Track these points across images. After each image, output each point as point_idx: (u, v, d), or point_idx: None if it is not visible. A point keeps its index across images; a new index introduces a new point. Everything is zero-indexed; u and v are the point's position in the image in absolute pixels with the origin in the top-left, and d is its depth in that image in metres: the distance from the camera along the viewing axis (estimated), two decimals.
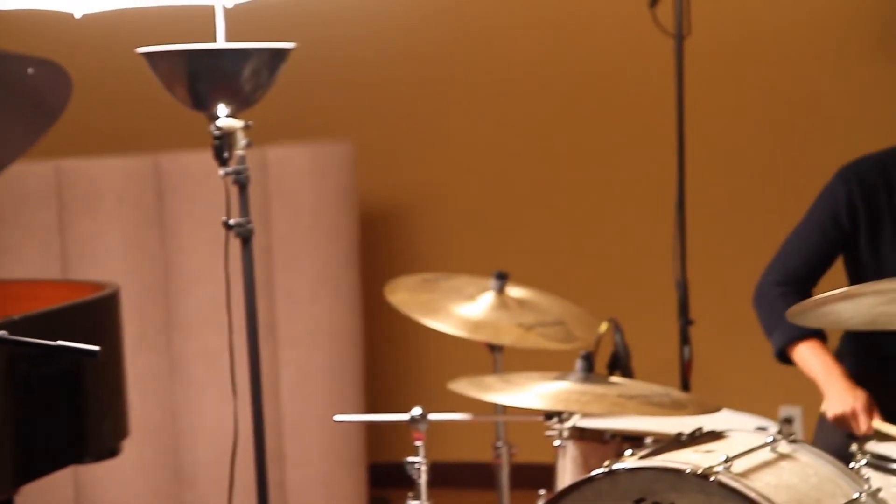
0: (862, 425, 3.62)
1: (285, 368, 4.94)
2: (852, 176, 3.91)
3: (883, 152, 3.95)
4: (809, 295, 3.86)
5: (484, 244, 5.62)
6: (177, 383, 4.84)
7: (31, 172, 4.62)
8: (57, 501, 4.69)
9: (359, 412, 5.04)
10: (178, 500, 4.83)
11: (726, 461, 3.03)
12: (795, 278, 3.93)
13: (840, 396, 3.71)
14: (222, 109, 3.29)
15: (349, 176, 5.11)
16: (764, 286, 3.97)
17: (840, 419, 3.68)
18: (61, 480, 4.61)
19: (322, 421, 4.95)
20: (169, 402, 4.82)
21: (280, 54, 3.32)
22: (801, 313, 3.16)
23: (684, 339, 4.32)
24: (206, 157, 4.70)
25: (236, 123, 3.29)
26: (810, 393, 4.08)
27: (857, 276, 3.91)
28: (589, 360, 3.36)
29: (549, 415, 3.54)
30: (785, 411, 5.05)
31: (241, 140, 3.30)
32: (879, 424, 3.59)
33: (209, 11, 3.39)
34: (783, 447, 3.26)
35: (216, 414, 4.75)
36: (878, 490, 3.22)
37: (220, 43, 3.33)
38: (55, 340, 2.82)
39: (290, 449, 4.93)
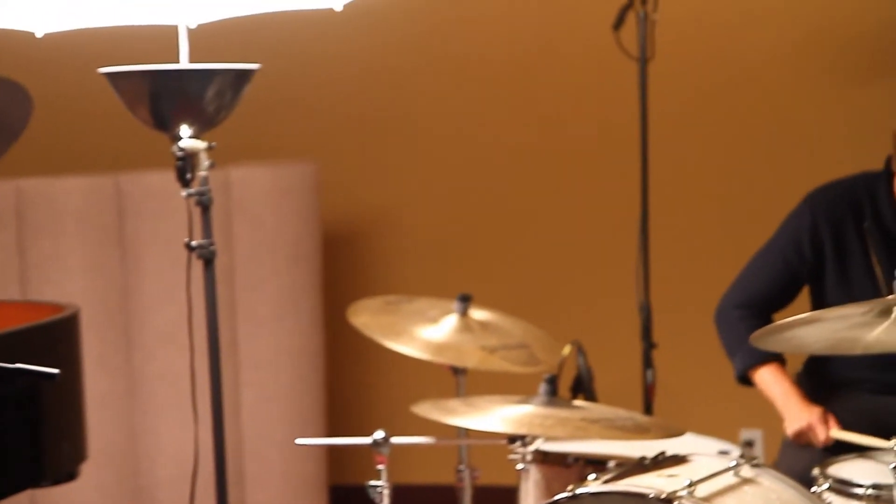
0: (820, 435, 3.74)
1: (247, 390, 4.91)
2: (819, 203, 3.97)
3: (850, 179, 4.00)
4: (770, 319, 3.92)
5: (447, 267, 5.60)
6: (136, 405, 4.81)
7: None
8: None
9: (320, 434, 5.04)
10: None
11: (690, 486, 3.03)
12: (755, 302, 4.00)
13: (797, 414, 3.82)
14: (185, 130, 3.27)
15: (312, 197, 5.10)
16: (724, 308, 4.04)
17: (800, 434, 3.78)
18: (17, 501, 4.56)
19: (283, 443, 4.94)
20: (128, 423, 4.80)
21: (244, 75, 3.30)
22: (766, 337, 3.17)
23: (647, 363, 4.33)
24: (168, 177, 4.69)
25: (199, 144, 3.27)
26: (770, 416, 4.13)
27: (825, 302, 3.95)
28: (553, 383, 3.35)
29: (512, 438, 3.52)
30: (746, 434, 5.07)
31: (205, 161, 3.28)
32: (837, 433, 3.71)
33: (173, 32, 3.37)
34: (746, 471, 3.26)
35: (176, 436, 4.73)
36: None
37: (184, 64, 3.32)
38: (13, 362, 2.79)
39: (250, 471, 4.90)
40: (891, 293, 3.70)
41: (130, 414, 4.80)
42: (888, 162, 3.87)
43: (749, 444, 4.12)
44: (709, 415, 4.82)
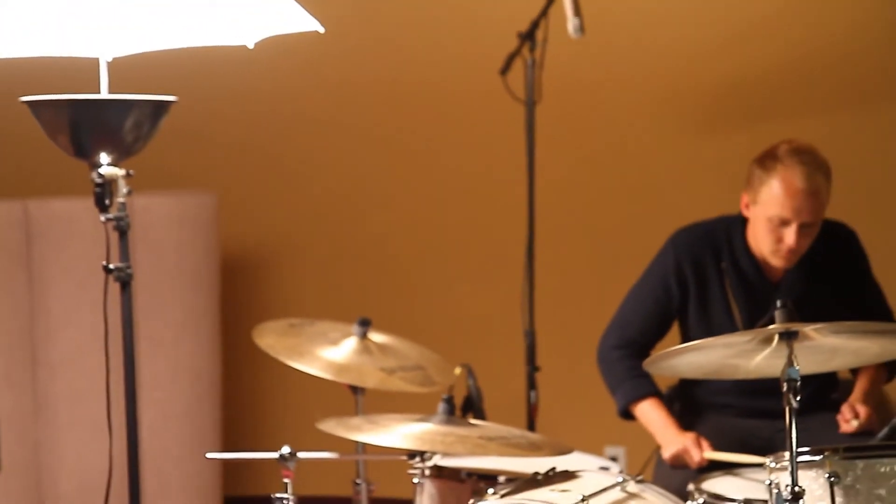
0: (695, 457, 3.78)
1: (147, 408, 4.82)
2: (681, 245, 4.06)
3: (710, 221, 4.09)
4: (647, 355, 3.95)
5: (343, 292, 5.59)
6: (41, 421, 4.72)
7: None
8: None
9: (217, 449, 4.98)
10: None
11: (582, 500, 3.06)
12: (632, 342, 4.08)
13: (672, 440, 3.86)
14: (104, 158, 3.20)
15: (211, 225, 5.05)
16: (604, 350, 4.11)
17: (676, 457, 3.83)
18: None
19: (181, 458, 4.90)
20: (32, 439, 4.71)
21: (162, 107, 3.24)
22: (658, 362, 3.20)
23: (531, 384, 4.33)
24: (74, 203, 4.70)
25: (118, 172, 3.21)
26: (631, 435, 4.20)
27: (688, 335, 4.02)
28: (451, 403, 3.35)
29: (411, 454, 3.49)
30: (610, 451, 5.09)
31: (123, 188, 3.22)
32: (710, 454, 3.76)
33: (90, 63, 3.30)
34: (632, 487, 3.30)
35: (78, 451, 4.70)
36: None
37: (104, 94, 3.25)
38: None
39: (149, 485, 4.80)
40: (748, 328, 3.83)
41: (34, 430, 4.71)
42: (742, 209, 3.94)
43: (613, 460, 4.14)
44: (577, 432, 4.84)
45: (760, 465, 3.49)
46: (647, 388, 3.98)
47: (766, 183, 3.80)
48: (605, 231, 5.31)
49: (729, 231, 3.99)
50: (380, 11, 5.47)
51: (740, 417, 4.00)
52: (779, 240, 3.82)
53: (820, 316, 3.16)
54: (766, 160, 3.83)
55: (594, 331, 4.16)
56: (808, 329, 3.08)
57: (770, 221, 3.82)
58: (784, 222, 3.80)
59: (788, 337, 3.05)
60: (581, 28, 4.12)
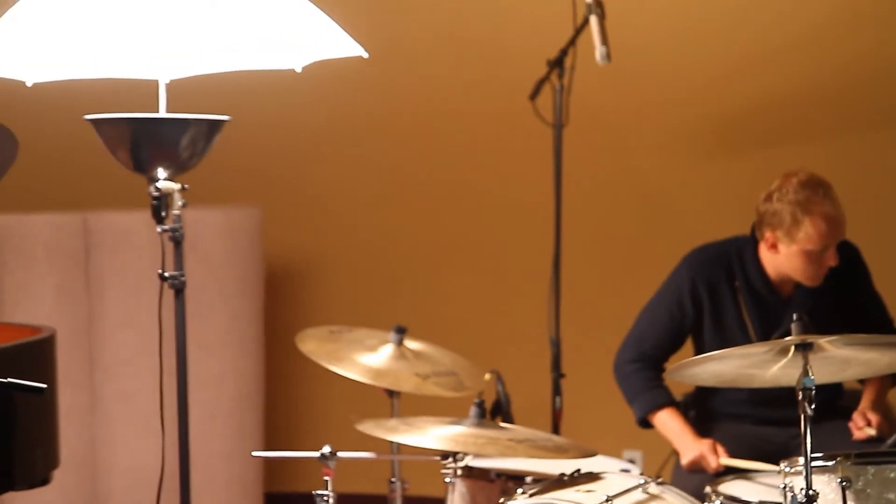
0: (712, 464, 3.78)
1: (194, 408, 4.78)
2: (696, 265, 4.07)
3: (723, 242, 4.11)
4: (661, 368, 4.03)
5: (381, 301, 5.57)
6: (96, 419, 4.74)
7: None
8: None
9: (260, 449, 4.98)
10: None
11: (607, 500, 3.06)
12: (647, 356, 4.08)
13: (690, 447, 3.86)
14: (161, 173, 3.22)
15: (256, 237, 5.05)
16: (620, 363, 4.11)
17: (693, 464, 3.83)
18: None
19: (225, 454, 4.89)
20: (89, 435, 4.72)
21: (216, 125, 3.27)
22: (679, 370, 3.20)
23: (556, 391, 4.31)
24: (129, 216, 4.72)
25: (174, 186, 3.23)
26: (648, 439, 4.20)
27: (703, 349, 4.03)
28: (482, 407, 3.34)
29: (444, 455, 3.47)
30: (628, 454, 5.06)
31: (178, 201, 3.25)
32: (726, 461, 3.76)
33: (151, 85, 3.31)
34: (653, 488, 3.29)
35: (131, 448, 4.69)
36: None
37: (162, 113, 3.26)
38: (2, 377, 2.70)
39: (196, 481, 4.78)
40: (761, 341, 3.81)
41: (91, 427, 4.72)
42: (753, 229, 3.94)
43: (632, 462, 4.14)
44: (598, 436, 4.80)
45: (773, 471, 3.49)
46: (664, 398, 3.98)
47: (802, 226, 3.80)
48: (626, 247, 5.30)
49: (741, 251, 3.99)
50: (417, 40, 5.48)
51: (754, 425, 3.98)
52: (820, 265, 3.85)
53: (827, 329, 3.15)
54: (793, 207, 3.80)
55: (615, 340, 4.16)
56: (823, 341, 3.06)
57: (810, 255, 3.83)
58: (825, 250, 3.82)
59: (804, 348, 3.04)
60: (608, 56, 4.11)
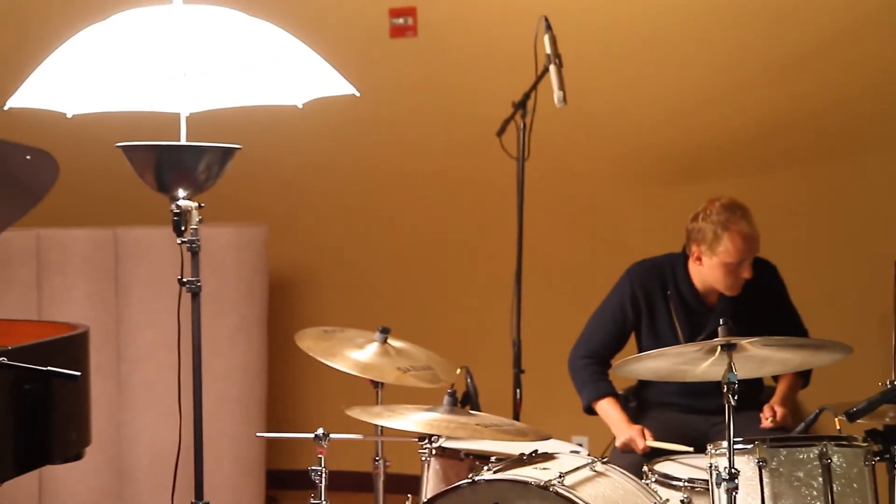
0: (639, 445, 3.80)
1: (206, 396, 4.77)
2: (635, 276, 4.09)
3: (659, 257, 4.13)
4: (607, 364, 4.05)
5: (368, 306, 5.58)
6: (123, 404, 4.72)
7: (16, 238, 4.53)
8: (25, 498, 4.55)
9: (262, 430, 4.96)
10: (120, 495, 4.71)
11: (560, 476, 3.04)
12: (595, 353, 4.08)
13: (623, 431, 3.88)
14: (181, 193, 3.19)
15: (261, 251, 5.03)
16: (573, 359, 4.11)
17: (624, 445, 3.85)
18: (27, 477, 4.46)
19: (233, 436, 4.88)
20: (116, 418, 4.70)
21: (228, 152, 3.25)
22: (624, 366, 3.21)
23: (517, 384, 4.30)
24: (153, 231, 4.70)
25: (192, 204, 3.21)
26: (593, 426, 4.19)
27: (642, 347, 4.03)
28: (454, 396, 3.33)
29: (422, 437, 3.47)
30: (576, 439, 5.05)
31: (195, 218, 3.23)
32: (651, 442, 3.79)
33: (174, 117, 3.30)
34: (599, 467, 3.30)
35: (153, 429, 4.68)
36: (667, 500, 3.28)
37: (183, 141, 3.25)
38: (45, 366, 2.69)
39: (208, 458, 4.76)
40: (688, 342, 3.83)
41: (118, 411, 4.70)
42: (685, 248, 3.96)
43: (580, 445, 4.14)
44: (551, 423, 4.79)
45: (687, 452, 3.59)
46: (606, 389, 3.98)
47: (721, 240, 3.81)
48: (577, 262, 5.30)
49: (673, 265, 3.99)
50: (402, 83, 5.50)
51: (683, 413, 3.98)
52: (736, 277, 3.85)
53: (747, 333, 3.14)
54: (715, 224, 3.82)
55: (567, 342, 4.15)
56: (745, 342, 3.08)
57: (727, 266, 3.84)
58: (741, 263, 3.82)
59: (729, 348, 3.06)
60: (564, 99, 4.12)
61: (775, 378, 4.02)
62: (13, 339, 3.28)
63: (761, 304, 3.95)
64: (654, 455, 3.68)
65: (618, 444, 3.86)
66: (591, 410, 4.02)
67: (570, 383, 4.10)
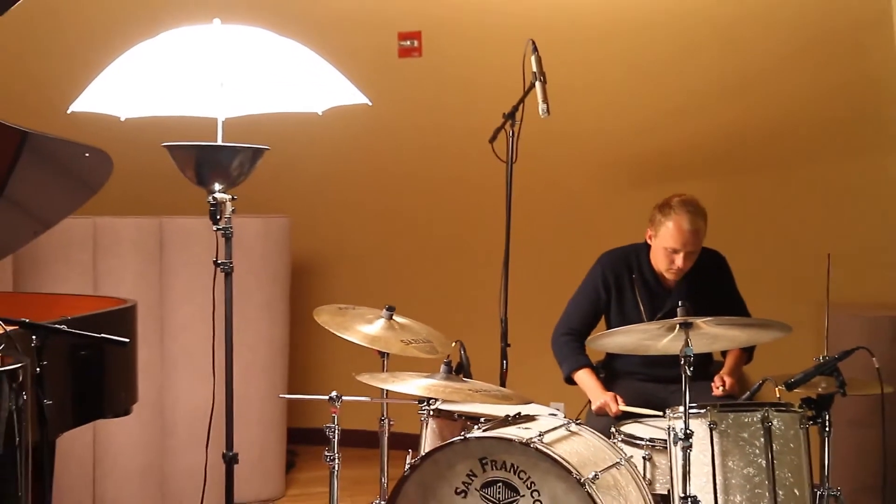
0: (613, 409, 3.78)
1: (236, 363, 4.68)
2: (606, 262, 4.07)
3: (626, 247, 4.11)
4: (584, 338, 3.98)
5: (376, 287, 5.57)
6: (164, 369, 4.70)
7: (76, 225, 4.50)
8: (81, 446, 4.53)
9: (284, 392, 4.93)
10: (162, 446, 4.70)
11: (540, 435, 3.05)
12: (574, 331, 4.07)
13: (598, 397, 3.86)
14: (217, 187, 3.21)
15: (285, 238, 5.00)
16: (555, 336, 4.11)
17: (600, 409, 3.83)
18: (84, 430, 4.45)
19: (260, 398, 4.85)
20: (159, 381, 4.68)
21: (258, 152, 3.26)
22: (596, 340, 3.21)
23: (504, 356, 4.28)
24: (193, 220, 4.69)
25: (226, 197, 3.22)
26: (569, 394, 4.17)
27: (611, 324, 4.01)
28: (449, 365, 3.33)
29: (420, 400, 3.48)
30: (554, 404, 5.03)
31: (229, 208, 3.24)
32: (623, 407, 3.78)
33: (211, 121, 3.31)
34: (573, 427, 3.30)
35: (190, 391, 4.66)
36: (631, 456, 3.30)
37: (219, 142, 3.25)
38: (95, 334, 2.69)
39: (237, 417, 4.73)
40: (650, 320, 3.83)
41: (160, 375, 4.68)
42: (647, 239, 3.94)
43: (558, 409, 4.12)
44: (533, 390, 4.78)
45: (657, 416, 3.58)
46: (584, 361, 3.97)
47: (663, 224, 3.81)
48: (556, 251, 5.30)
49: (638, 254, 3.98)
50: (409, 95, 5.50)
51: (645, 382, 3.98)
52: (671, 262, 3.83)
53: (699, 314, 3.15)
54: (664, 208, 3.84)
55: (548, 320, 4.14)
56: (700, 321, 3.08)
57: (666, 250, 3.82)
58: (675, 251, 3.80)
59: (686, 326, 3.07)
60: (548, 111, 4.10)
61: (723, 353, 4.02)
62: (72, 311, 3.29)
63: (710, 288, 3.94)
64: (622, 418, 3.69)
65: (593, 407, 3.85)
66: (570, 380, 4.00)
67: (549, 356, 4.08)
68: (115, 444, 4.58)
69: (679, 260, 3.80)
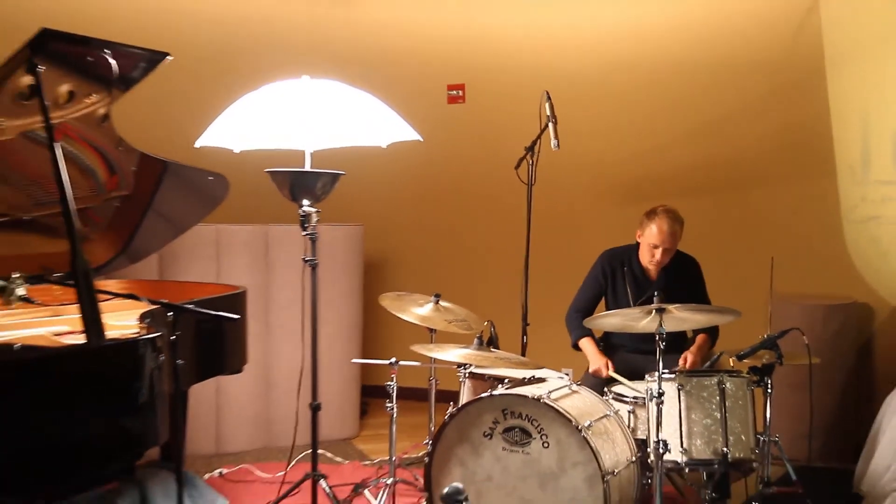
0: (603, 372, 3.74)
1: (321, 336, 4.83)
2: (605, 257, 4.04)
3: (623, 246, 4.06)
4: (589, 315, 3.93)
5: (428, 277, 5.55)
6: (269, 339, 4.71)
7: (203, 230, 4.53)
8: (206, 394, 4.57)
9: (357, 357, 4.92)
10: (266, 397, 4.71)
11: (549, 393, 3.05)
12: (582, 309, 4.03)
13: (595, 361, 3.82)
14: (305, 202, 3.24)
15: (359, 242, 5.01)
16: (569, 313, 4.07)
17: (595, 371, 3.79)
18: (208, 384, 4.50)
19: (339, 361, 4.86)
20: (264, 349, 4.69)
21: (336, 177, 3.29)
22: (592, 321, 3.19)
23: (524, 332, 4.27)
24: (289, 227, 4.72)
25: (313, 210, 3.25)
26: (574, 362, 4.12)
27: (608, 307, 3.98)
28: (481, 339, 3.35)
29: (459, 365, 3.49)
30: (564, 370, 5.00)
31: (315, 219, 3.26)
32: (612, 374, 3.74)
33: (300, 152, 3.34)
34: (574, 387, 3.31)
35: (287, 355, 4.66)
36: (618, 410, 3.30)
37: (307, 168, 3.29)
38: (215, 312, 2.74)
39: (321, 375, 4.82)
40: (636, 305, 3.80)
41: (265, 344, 4.69)
42: (637, 238, 3.91)
43: (566, 374, 4.11)
44: (547, 358, 4.76)
45: (632, 387, 3.54)
46: (587, 332, 3.92)
47: (648, 226, 3.79)
48: (566, 253, 5.25)
49: (630, 252, 3.95)
50: (451, 131, 5.47)
51: (631, 353, 3.94)
52: (653, 256, 3.81)
53: (676, 301, 3.14)
54: (650, 213, 3.83)
55: (558, 307, 4.11)
56: (671, 307, 3.07)
57: (649, 246, 3.81)
58: (655, 247, 3.78)
59: (661, 311, 3.05)
60: (558, 145, 4.10)
61: (695, 333, 3.99)
62: (199, 295, 3.35)
63: (684, 283, 3.92)
64: (609, 382, 3.67)
65: (590, 370, 3.82)
66: (576, 347, 3.95)
67: (561, 333, 4.04)
68: (232, 395, 4.62)
69: (658, 254, 3.78)
